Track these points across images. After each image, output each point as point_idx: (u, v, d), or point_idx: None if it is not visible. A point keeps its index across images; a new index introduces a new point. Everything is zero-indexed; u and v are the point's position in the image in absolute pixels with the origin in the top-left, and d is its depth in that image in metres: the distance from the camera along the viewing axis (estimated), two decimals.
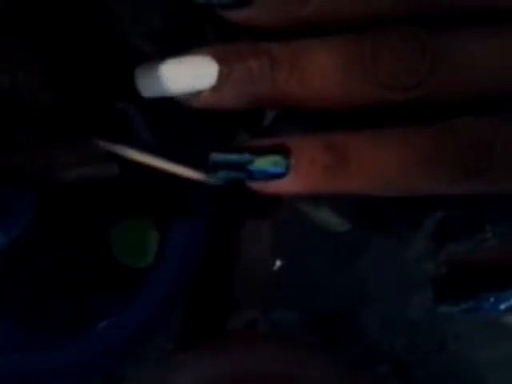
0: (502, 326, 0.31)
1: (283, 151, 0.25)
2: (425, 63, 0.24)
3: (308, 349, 0.30)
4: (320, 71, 0.24)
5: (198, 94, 0.25)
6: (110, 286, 0.29)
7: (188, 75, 0.25)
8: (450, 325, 0.31)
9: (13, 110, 0.25)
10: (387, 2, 0.24)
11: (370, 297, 0.31)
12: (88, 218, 0.29)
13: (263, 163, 0.25)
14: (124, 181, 0.29)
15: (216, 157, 0.25)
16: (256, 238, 0.31)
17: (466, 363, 0.31)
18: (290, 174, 0.25)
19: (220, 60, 0.25)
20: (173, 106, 0.27)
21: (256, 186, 0.25)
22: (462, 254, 0.31)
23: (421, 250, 0.31)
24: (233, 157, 0.25)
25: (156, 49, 0.30)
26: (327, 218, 0.31)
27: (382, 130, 0.25)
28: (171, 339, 0.31)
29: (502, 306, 0.27)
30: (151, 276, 0.29)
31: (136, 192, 0.29)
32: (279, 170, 0.25)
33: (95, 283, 0.29)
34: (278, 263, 0.31)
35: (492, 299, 0.27)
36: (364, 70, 0.24)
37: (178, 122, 0.29)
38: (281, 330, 0.32)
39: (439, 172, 0.25)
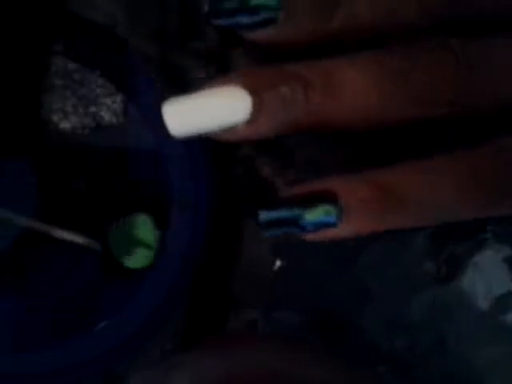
0: (502, 325, 0.31)
1: (331, 198, 0.24)
2: (461, 74, 0.23)
3: (308, 349, 0.30)
4: (354, 91, 0.23)
5: (232, 127, 0.24)
6: (111, 286, 0.29)
7: (220, 111, 0.24)
8: (449, 325, 0.31)
9: None
10: (412, 14, 0.23)
11: (370, 297, 0.31)
12: (87, 217, 0.29)
13: (315, 216, 0.24)
14: (124, 180, 0.29)
15: (266, 215, 0.24)
16: (256, 238, 0.31)
17: (466, 363, 0.31)
18: (343, 221, 0.24)
19: (251, 91, 0.23)
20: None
21: (308, 236, 0.24)
22: (461, 254, 0.31)
23: (421, 250, 0.31)
24: (283, 213, 0.24)
25: (156, 49, 0.30)
26: None
27: (428, 161, 0.24)
28: (171, 339, 0.31)
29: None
30: (151, 276, 0.29)
31: (136, 190, 0.29)
32: (331, 219, 0.24)
33: (95, 283, 0.29)
34: (278, 263, 0.31)
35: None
36: (400, 85, 0.23)
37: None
38: (281, 329, 0.32)
39: (480, 201, 0.24)
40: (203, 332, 0.31)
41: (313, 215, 0.24)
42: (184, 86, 0.30)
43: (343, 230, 0.24)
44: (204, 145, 0.28)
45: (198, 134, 0.24)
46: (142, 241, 0.29)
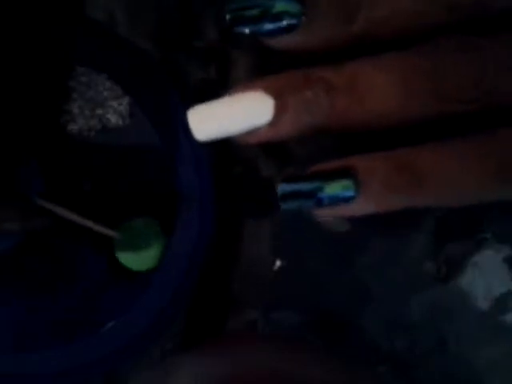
0: (502, 325, 0.31)
1: (351, 174, 0.24)
2: (488, 72, 0.23)
3: (308, 349, 0.30)
4: (380, 92, 0.24)
5: (255, 130, 0.24)
6: (115, 288, 0.29)
7: (244, 114, 0.24)
8: (449, 325, 0.31)
9: None
10: (437, 13, 0.23)
11: (370, 297, 0.31)
12: (93, 219, 0.29)
13: (333, 189, 0.24)
14: (130, 182, 0.29)
15: (285, 187, 0.24)
16: (256, 238, 0.31)
17: (466, 363, 0.31)
18: (361, 196, 0.24)
19: (275, 94, 0.24)
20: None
21: (323, 212, 0.24)
22: (461, 253, 0.31)
23: (421, 250, 0.31)
24: (302, 185, 0.24)
25: (156, 49, 0.30)
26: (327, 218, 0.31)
27: (449, 142, 0.24)
28: (171, 339, 0.31)
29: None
30: (156, 278, 0.29)
31: (142, 194, 0.29)
32: (349, 194, 0.24)
33: (100, 285, 0.29)
34: (278, 263, 0.31)
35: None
36: (427, 85, 0.23)
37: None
38: (281, 329, 0.32)
39: (508, 180, 0.24)
40: (203, 332, 0.31)
41: (331, 189, 0.24)
42: (184, 85, 0.30)
43: (360, 207, 0.24)
44: (209, 146, 0.28)
45: (221, 137, 0.24)
46: (147, 243, 0.29)
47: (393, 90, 0.24)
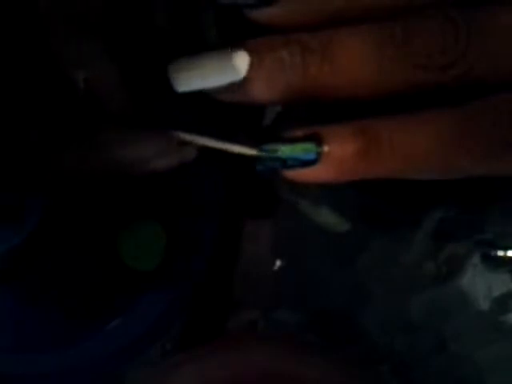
0: (502, 325, 0.31)
1: (315, 138, 0.24)
2: (459, 40, 0.24)
3: (308, 349, 0.30)
4: (352, 56, 0.24)
5: (230, 87, 0.25)
6: (118, 288, 0.29)
7: (220, 68, 0.25)
8: (449, 325, 0.31)
9: (87, 109, 0.25)
10: None
11: (370, 297, 0.31)
12: (98, 220, 0.29)
13: (293, 150, 0.25)
14: (135, 184, 0.29)
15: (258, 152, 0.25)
16: (256, 238, 0.31)
17: (466, 363, 0.31)
18: (323, 160, 0.24)
19: (251, 51, 0.25)
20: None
21: (290, 174, 0.25)
22: (462, 254, 0.31)
23: (421, 250, 0.31)
24: (270, 146, 0.25)
25: (158, 49, 0.30)
26: (327, 218, 0.31)
27: (414, 112, 0.24)
28: (171, 339, 0.31)
29: None
30: (159, 277, 0.29)
31: (145, 196, 0.29)
32: (311, 156, 0.24)
33: (102, 285, 0.29)
34: (278, 263, 0.31)
35: None
36: (397, 51, 0.24)
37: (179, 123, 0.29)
38: (281, 330, 0.32)
39: (476, 150, 0.24)
40: (203, 332, 0.31)
41: (291, 149, 0.25)
42: None
43: (325, 173, 0.25)
44: (215, 151, 0.28)
45: (199, 89, 0.25)
46: (150, 245, 0.29)
47: (366, 53, 0.24)
